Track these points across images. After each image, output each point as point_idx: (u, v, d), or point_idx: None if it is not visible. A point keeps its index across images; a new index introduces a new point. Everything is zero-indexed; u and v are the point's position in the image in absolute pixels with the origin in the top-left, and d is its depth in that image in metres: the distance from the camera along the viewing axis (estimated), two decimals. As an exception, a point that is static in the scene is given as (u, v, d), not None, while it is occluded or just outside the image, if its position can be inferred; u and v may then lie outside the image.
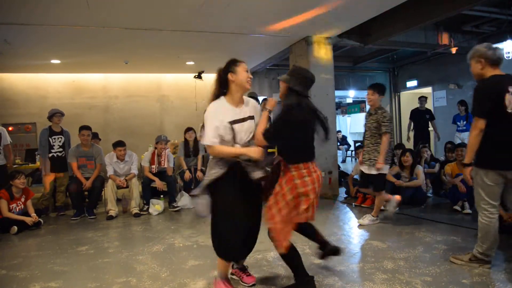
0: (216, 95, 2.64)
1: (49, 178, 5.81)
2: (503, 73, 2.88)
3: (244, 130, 2.59)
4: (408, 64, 10.25)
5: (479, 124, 2.79)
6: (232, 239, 2.48)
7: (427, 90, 9.78)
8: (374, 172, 4.30)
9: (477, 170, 2.92)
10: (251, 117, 2.65)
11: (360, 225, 4.46)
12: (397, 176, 5.49)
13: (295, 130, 2.55)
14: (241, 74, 2.59)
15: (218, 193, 2.54)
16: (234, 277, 2.97)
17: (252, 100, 2.78)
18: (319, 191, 2.61)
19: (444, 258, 3.24)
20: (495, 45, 2.90)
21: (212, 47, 6.74)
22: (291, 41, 6.70)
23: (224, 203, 2.51)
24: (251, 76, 2.65)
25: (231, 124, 2.52)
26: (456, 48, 7.51)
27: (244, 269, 2.93)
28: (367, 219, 4.48)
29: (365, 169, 4.43)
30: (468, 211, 4.81)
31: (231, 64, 2.65)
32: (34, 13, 4.64)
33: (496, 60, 2.87)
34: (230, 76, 2.60)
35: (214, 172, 2.54)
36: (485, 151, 2.85)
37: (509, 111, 2.78)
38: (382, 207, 4.66)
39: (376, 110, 4.34)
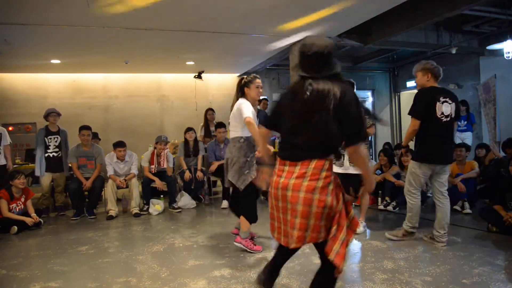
0: (237, 98, 3.63)
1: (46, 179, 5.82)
2: (439, 86, 3.61)
3: None
4: (408, 64, 10.23)
5: (415, 123, 3.49)
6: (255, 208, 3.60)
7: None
8: (358, 171, 4.01)
9: (413, 162, 3.61)
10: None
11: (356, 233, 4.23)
12: (397, 176, 5.49)
13: (272, 117, 2.15)
14: (253, 91, 3.59)
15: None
16: (239, 245, 3.62)
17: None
18: (290, 208, 1.87)
19: (444, 258, 3.24)
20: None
21: (212, 47, 6.74)
22: (291, 41, 6.69)
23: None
24: (261, 90, 3.63)
25: None
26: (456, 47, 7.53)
27: (252, 239, 3.72)
28: (361, 225, 4.23)
29: (348, 169, 4.05)
30: (468, 211, 4.81)
31: (248, 82, 3.58)
32: (34, 13, 4.64)
33: (438, 76, 3.57)
34: (246, 89, 3.60)
35: (252, 155, 3.51)
36: (419, 148, 3.54)
37: (438, 116, 3.46)
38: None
39: None
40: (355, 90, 4.19)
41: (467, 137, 7.56)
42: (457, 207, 4.99)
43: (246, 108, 3.43)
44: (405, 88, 10.53)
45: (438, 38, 7.53)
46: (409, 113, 3.56)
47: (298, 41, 6.62)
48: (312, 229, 1.83)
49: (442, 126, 3.49)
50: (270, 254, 3.49)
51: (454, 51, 7.53)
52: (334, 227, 1.82)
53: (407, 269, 3.03)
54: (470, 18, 6.76)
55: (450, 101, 3.50)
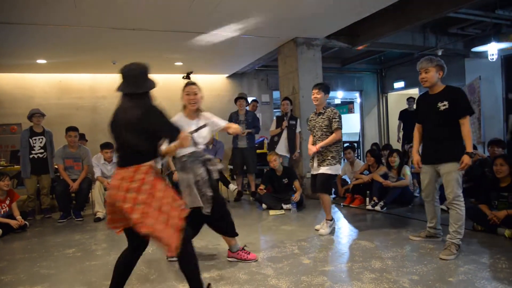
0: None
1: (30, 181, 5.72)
2: None
3: (201, 137, 3.22)
4: (396, 66, 10.37)
5: (469, 121, 3.27)
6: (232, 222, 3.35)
7: (414, 91, 9.91)
8: (326, 171, 4.06)
9: (457, 164, 3.25)
10: (204, 126, 3.27)
11: (320, 235, 4.11)
12: (385, 176, 5.54)
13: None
14: (184, 98, 3.30)
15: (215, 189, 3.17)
16: (233, 260, 3.39)
17: (207, 113, 3.42)
18: (116, 202, 2.21)
19: (431, 257, 3.28)
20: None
21: (200, 48, 6.73)
22: (279, 42, 6.72)
23: (220, 195, 3.31)
24: (192, 98, 3.25)
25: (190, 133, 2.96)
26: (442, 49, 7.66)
27: (243, 249, 3.43)
28: (327, 226, 4.15)
29: (316, 169, 4.16)
30: (454, 210, 4.88)
31: (184, 87, 3.32)
32: (19, 12, 4.57)
33: (444, 75, 3.41)
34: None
35: (202, 171, 3.11)
36: (461, 146, 3.27)
37: None
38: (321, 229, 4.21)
39: (325, 108, 4.17)
40: (329, 91, 4.26)
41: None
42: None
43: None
44: (393, 89, 10.65)
45: (424, 40, 7.65)
46: (467, 113, 3.25)
47: (288, 42, 6.65)
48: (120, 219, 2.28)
49: None
50: (260, 255, 3.50)
51: (440, 53, 7.65)
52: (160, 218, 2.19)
53: (394, 268, 3.06)
54: (456, 21, 6.88)
55: None
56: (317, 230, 4.27)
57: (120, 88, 2.34)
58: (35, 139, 5.75)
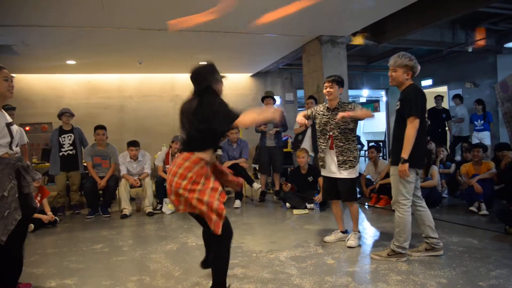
0: None
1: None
2: None
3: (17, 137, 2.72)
4: (423, 63, 10.04)
5: (416, 123, 3.07)
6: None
7: (442, 89, 9.63)
8: (350, 175, 3.71)
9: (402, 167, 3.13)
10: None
11: (348, 247, 3.69)
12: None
13: None
14: (1, 84, 2.58)
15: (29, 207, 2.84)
16: None
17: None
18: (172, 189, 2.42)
19: (460, 260, 3.19)
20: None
21: (225, 47, 6.76)
22: (304, 41, 6.67)
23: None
24: (12, 85, 2.64)
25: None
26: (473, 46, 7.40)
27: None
28: (355, 237, 3.76)
29: (336, 172, 3.74)
30: (485, 212, 4.72)
31: None
32: (50, 14, 4.72)
33: (416, 74, 3.25)
34: None
35: (13, 186, 2.55)
36: (411, 151, 3.08)
37: (425, 115, 3.24)
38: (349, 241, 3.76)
39: (342, 104, 3.74)
40: (343, 85, 3.86)
41: (484, 137, 7.43)
42: (473, 208, 4.89)
43: None
44: (420, 87, 10.38)
45: (453, 36, 7.42)
46: (411, 114, 3.07)
47: (312, 40, 6.59)
48: (179, 203, 2.42)
49: (425, 126, 3.27)
50: (283, 254, 3.48)
51: (470, 49, 7.41)
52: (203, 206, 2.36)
53: (422, 271, 2.98)
54: (487, 16, 6.64)
55: None
56: (326, 242, 3.88)
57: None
58: (63, 137, 5.93)
